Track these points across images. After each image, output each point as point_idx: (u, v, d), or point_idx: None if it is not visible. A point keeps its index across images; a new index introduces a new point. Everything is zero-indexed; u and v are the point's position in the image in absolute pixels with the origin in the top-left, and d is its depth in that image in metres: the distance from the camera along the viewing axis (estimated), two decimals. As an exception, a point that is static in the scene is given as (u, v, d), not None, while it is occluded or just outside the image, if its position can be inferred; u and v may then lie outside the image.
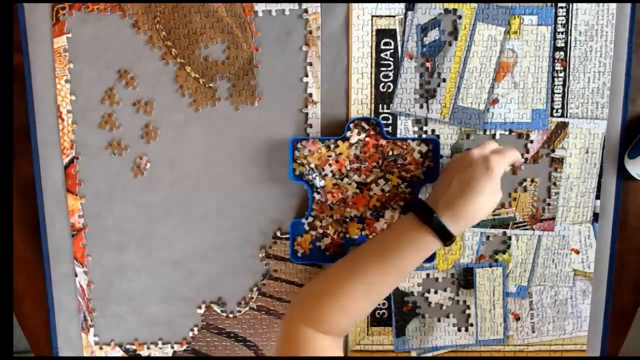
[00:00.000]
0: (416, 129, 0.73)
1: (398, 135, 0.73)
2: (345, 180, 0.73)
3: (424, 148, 0.73)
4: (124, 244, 0.77)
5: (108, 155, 0.75)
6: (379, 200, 0.74)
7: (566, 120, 0.73)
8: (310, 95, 0.73)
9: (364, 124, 0.72)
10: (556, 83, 0.72)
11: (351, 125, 0.72)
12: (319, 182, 0.73)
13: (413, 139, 0.72)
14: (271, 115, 0.74)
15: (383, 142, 0.73)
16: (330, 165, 0.73)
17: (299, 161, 0.73)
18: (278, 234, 0.76)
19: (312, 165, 0.73)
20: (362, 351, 0.79)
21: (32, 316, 0.79)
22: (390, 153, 0.72)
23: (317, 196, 0.74)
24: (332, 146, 0.73)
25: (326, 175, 0.73)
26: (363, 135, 0.72)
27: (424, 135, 0.73)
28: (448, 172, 0.65)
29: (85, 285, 0.78)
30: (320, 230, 0.75)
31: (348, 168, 0.73)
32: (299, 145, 0.73)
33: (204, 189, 0.76)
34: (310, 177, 0.73)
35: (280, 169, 0.75)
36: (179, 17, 0.72)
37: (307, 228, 0.75)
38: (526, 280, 0.77)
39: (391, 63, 0.73)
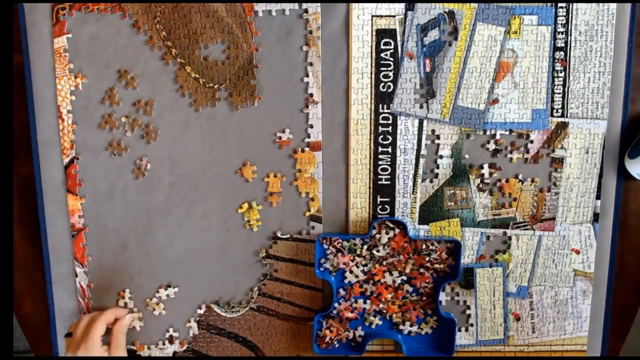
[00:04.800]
0: (416, 128, 0.73)
1: (419, 236, 0.75)
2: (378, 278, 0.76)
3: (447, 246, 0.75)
4: (124, 244, 0.77)
5: (108, 155, 0.75)
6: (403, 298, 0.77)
7: (566, 120, 0.73)
8: (311, 95, 0.73)
9: (388, 223, 0.74)
10: (556, 83, 0.72)
11: (375, 225, 0.74)
12: (351, 278, 0.76)
13: (436, 240, 0.74)
14: (271, 115, 0.74)
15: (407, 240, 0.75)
16: (357, 266, 0.76)
17: (324, 260, 0.76)
18: (278, 234, 0.76)
19: (341, 265, 0.76)
20: (362, 351, 0.79)
21: (32, 316, 0.79)
22: (424, 247, 0.74)
23: (342, 292, 0.77)
24: (359, 249, 0.75)
25: (356, 275, 0.76)
26: (392, 234, 0.74)
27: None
28: None
29: (85, 286, 0.78)
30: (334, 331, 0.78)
31: (383, 264, 0.75)
32: (324, 245, 0.75)
33: (204, 189, 0.76)
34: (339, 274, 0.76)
35: (280, 168, 0.75)
36: (179, 17, 0.72)
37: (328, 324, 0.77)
38: (526, 280, 0.77)
39: (391, 63, 0.73)
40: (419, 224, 0.76)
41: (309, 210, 0.76)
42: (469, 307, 0.77)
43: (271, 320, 0.79)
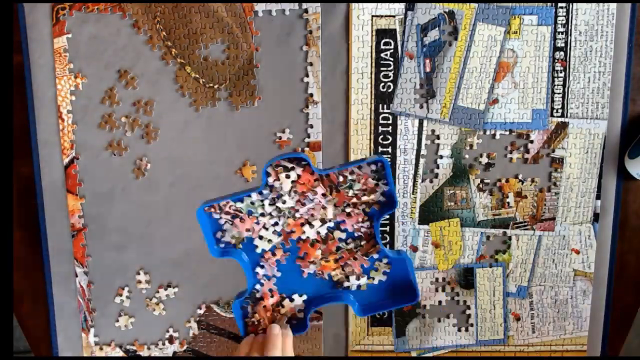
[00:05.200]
0: (416, 128, 0.73)
1: (331, 169, 0.61)
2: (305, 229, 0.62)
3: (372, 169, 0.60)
4: (124, 244, 0.77)
5: (108, 155, 0.75)
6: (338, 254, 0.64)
7: (566, 120, 0.73)
8: (311, 95, 0.73)
9: (284, 163, 0.60)
10: (556, 83, 0.72)
11: (268, 170, 0.60)
12: (263, 245, 0.62)
13: (354, 165, 0.60)
14: (271, 115, 0.74)
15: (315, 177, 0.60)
16: (266, 228, 0.61)
17: (220, 234, 0.62)
18: (278, 234, 0.76)
19: (245, 233, 0.62)
20: (362, 351, 0.79)
21: (32, 316, 0.79)
22: (343, 178, 0.60)
23: (260, 271, 0.64)
24: (259, 207, 0.61)
25: (269, 240, 0.62)
26: (294, 175, 0.60)
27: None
28: None
29: (85, 286, 0.78)
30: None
31: (299, 215, 0.61)
32: (215, 215, 0.61)
33: (204, 189, 0.76)
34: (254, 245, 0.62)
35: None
36: (179, 17, 0.72)
37: (251, 310, 0.65)
38: (526, 280, 0.77)
39: (391, 63, 0.73)
40: (419, 224, 0.76)
41: (309, 210, 0.76)
42: (469, 307, 0.77)
43: (271, 320, 0.78)
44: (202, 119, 0.74)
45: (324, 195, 0.60)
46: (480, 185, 0.75)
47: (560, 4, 0.71)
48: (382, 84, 0.73)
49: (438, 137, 0.74)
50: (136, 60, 0.73)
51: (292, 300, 0.64)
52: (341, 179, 0.60)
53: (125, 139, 0.75)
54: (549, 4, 0.71)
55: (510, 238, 0.76)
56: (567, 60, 0.72)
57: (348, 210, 0.62)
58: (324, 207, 0.61)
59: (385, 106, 0.73)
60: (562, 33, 0.71)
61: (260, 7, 0.72)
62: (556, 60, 0.72)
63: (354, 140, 0.74)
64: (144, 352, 0.80)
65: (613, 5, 0.70)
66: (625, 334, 0.79)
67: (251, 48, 0.73)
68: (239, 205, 0.61)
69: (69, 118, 0.74)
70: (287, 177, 0.60)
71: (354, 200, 0.61)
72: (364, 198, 0.61)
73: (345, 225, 0.62)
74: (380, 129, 0.74)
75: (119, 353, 0.80)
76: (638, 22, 0.71)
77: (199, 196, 0.75)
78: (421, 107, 0.73)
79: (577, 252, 0.76)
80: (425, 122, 0.74)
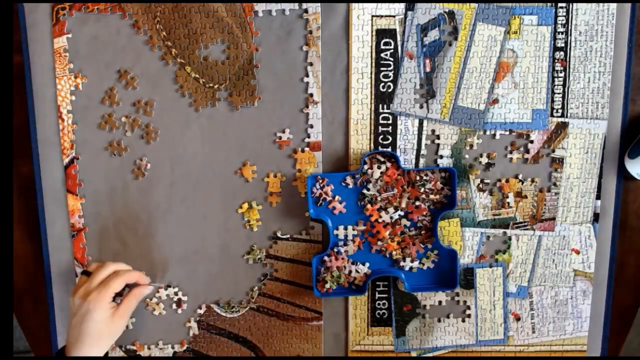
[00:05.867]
0: (416, 128, 0.73)
1: (409, 167, 0.74)
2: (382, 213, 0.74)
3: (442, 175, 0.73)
4: (124, 244, 0.77)
5: (108, 155, 0.75)
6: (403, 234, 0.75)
7: (566, 120, 0.73)
8: (311, 95, 0.73)
9: (379, 157, 0.73)
10: (556, 83, 0.72)
11: (366, 159, 0.73)
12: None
13: (430, 169, 0.73)
14: (271, 115, 0.74)
15: (399, 172, 0.73)
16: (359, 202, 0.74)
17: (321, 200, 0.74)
18: (278, 234, 0.76)
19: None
20: (362, 351, 0.79)
21: (32, 316, 0.79)
22: (418, 177, 0.73)
23: (338, 232, 0.75)
24: (351, 185, 0.74)
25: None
26: (384, 168, 0.73)
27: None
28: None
29: (85, 285, 0.78)
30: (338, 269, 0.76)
31: (379, 199, 0.73)
32: (317, 185, 0.73)
33: (204, 189, 0.76)
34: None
35: (280, 168, 0.75)
36: (179, 17, 0.72)
37: (328, 265, 0.75)
38: (526, 280, 0.77)
39: (391, 63, 0.73)
40: (419, 224, 0.76)
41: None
42: (469, 307, 0.77)
43: (271, 320, 0.79)
44: (202, 119, 0.74)
45: (402, 187, 0.73)
46: (480, 185, 0.75)
47: (560, 4, 0.71)
48: (382, 84, 0.73)
49: (438, 137, 0.74)
50: (136, 60, 0.73)
51: (358, 268, 0.76)
52: (417, 178, 0.73)
53: (125, 139, 0.75)
54: (549, 4, 0.71)
55: (510, 238, 0.76)
56: (567, 60, 0.72)
57: (417, 203, 0.74)
58: (399, 198, 0.73)
59: (385, 106, 0.73)
60: (562, 33, 0.71)
61: (260, 7, 0.72)
62: (556, 60, 0.72)
63: (354, 140, 0.74)
64: (144, 352, 0.80)
65: (613, 5, 0.70)
66: (625, 334, 0.79)
67: (251, 48, 0.73)
68: (331, 185, 0.74)
69: (69, 118, 0.74)
70: (379, 167, 0.72)
71: (423, 196, 0.73)
72: (431, 197, 0.73)
73: (412, 216, 0.74)
74: (380, 129, 0.74)
75: (119, 353, 0.80)
76: (638, 22, 0.71)
77: (199, 196, 0.76)
78: (421, 107, 0.73)
79: (577, 252, 0.76)
80: (425, 122, 0.74)
